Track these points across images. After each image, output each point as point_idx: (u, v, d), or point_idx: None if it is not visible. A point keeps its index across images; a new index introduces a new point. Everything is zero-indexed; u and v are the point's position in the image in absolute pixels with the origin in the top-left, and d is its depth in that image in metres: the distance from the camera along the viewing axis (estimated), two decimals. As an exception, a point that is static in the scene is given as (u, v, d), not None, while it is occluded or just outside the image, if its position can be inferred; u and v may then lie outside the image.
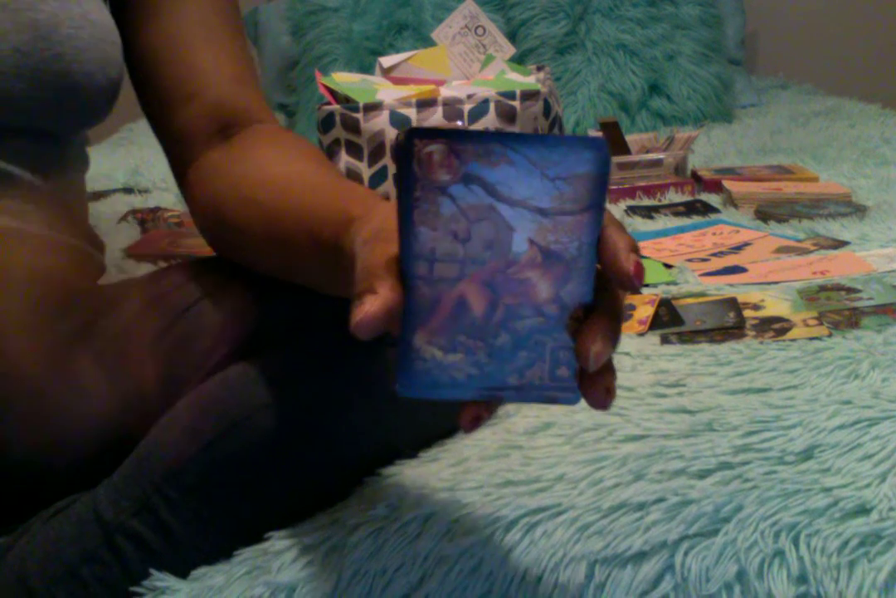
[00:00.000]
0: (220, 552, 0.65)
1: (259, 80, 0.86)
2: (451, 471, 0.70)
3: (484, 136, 0.47)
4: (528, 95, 1.49)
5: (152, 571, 0.64)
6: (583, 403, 0.49)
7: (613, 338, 0.47)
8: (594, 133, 1.86)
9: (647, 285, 1.15)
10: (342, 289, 0.61)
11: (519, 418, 0.79)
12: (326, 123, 1.52)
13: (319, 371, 0.67)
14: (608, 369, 0.48)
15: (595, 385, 0.48)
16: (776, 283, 1.11)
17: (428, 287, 0.48)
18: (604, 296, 0.48)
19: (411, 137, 0.47)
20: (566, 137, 0.48)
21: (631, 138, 1.83)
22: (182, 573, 0.64)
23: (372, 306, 0.46)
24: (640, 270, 0.47)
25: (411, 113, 1.50)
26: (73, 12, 0.76)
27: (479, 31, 1.77)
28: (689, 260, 1.23)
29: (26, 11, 0.73)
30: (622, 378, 0.85)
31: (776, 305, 1.02)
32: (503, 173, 0.47)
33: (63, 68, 0.75)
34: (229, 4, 0.84)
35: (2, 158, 0.77)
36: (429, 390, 0.49)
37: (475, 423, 0.49)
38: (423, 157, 0.47)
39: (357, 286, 0.49)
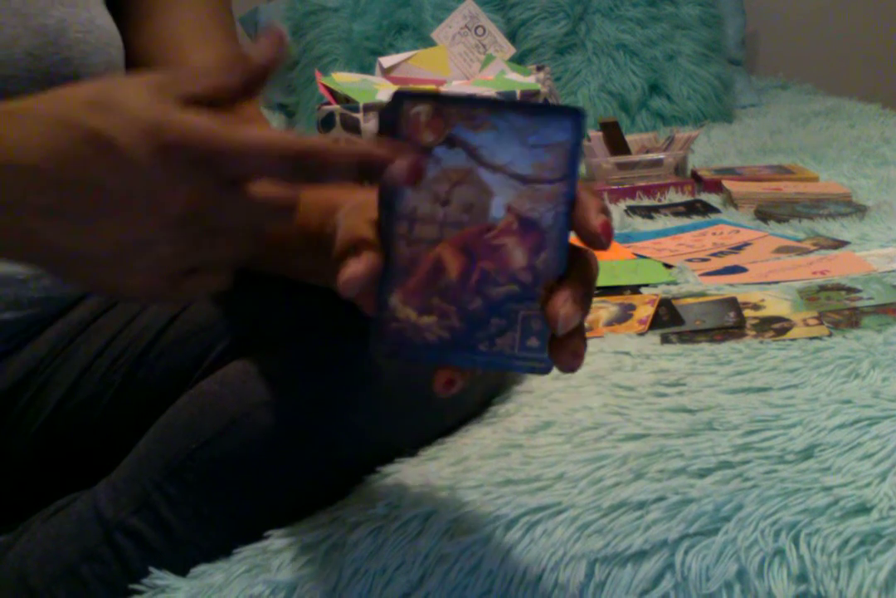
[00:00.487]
0: (220, 550, 0.65)
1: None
2: (451, 470, 0.70)
3: (470, 100, 0.48)
4: (528, 95, 1.49)
5: (152, 569, 0.64)
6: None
7: (583, 304, 0.48)
8: (594, 133, 1.86)
9: (647, 285, 1.15)
10: (327, 277, 0.61)
11: (519, 416, 0.79)
12: (326, 123, 1.52)
13: (319, 369, 0.67)
14: (578, 334, 0.49)
15: (563, 349, 0.49)
16: (776, 283, 1.10)
17: (407, 247, 0.49)
18: (576, 265, 0.49)
19: (400, 98, 0.48)
20: (547, 106, 0.48)
21: (631, 138, 1.83)
22: (182, 571, 0.64)
23: (357, 265, 0.47)
24: (607, 229, 0.48)
25: (411, 113, 1.50)
26: (81, 17, 0.76)
27: (479, 31, 1.78)
28: (689, 260, 1.23)
29: (37, 16, 0.73)
30: (623, 378, 0.85)
31: (776, 304, 1.02)
32: (486, 138, 0.48)
33: (71, 72, 0.75)
34: (223, 7, 0.84)
35: None
36: (400, 351, 0.49)
37: (448, 386, 0.50)
38: (410, 117, 0.48)
39: (339, 248, 0.49)
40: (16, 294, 0.77)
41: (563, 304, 0.47)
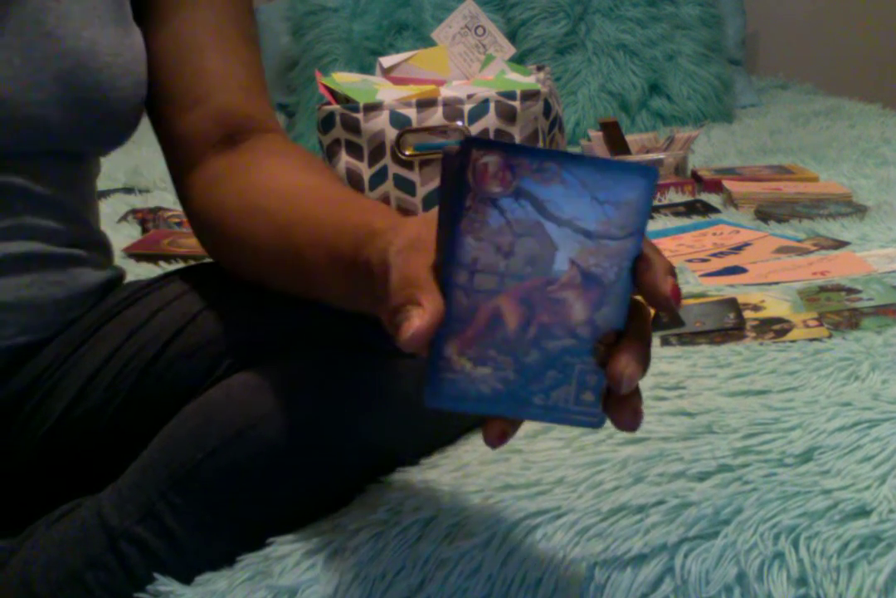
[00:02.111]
0: (223, 558, 0.65)
1: (268, 90, 0.85)
2: (452, 476, 0.70)
3: (540, 152, 0.47)
4: (528, 95, 1.49)
5: (156, 576, 0.64)
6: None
7: (644, 362, 0.48)
8: (594, 133, 1.86)
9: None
10: (357, 303, 0.61)
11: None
12: (326, 123, 1.52)
13: (323, 380, 0.67)
14: (636, 392, 0.49)
15: (624, 407, 0.48)
16: (776, 283, 1.11)
17: (466, 298, 0.48)
18: (635, 322, 0.48)
19: (468, 147, 0.47)
20: (619, 163, 0.48)
21: (631, 138, 1.84)
22: (186, 578, 0.64)
23: (421, 318, 0.46)
24: (677, 292, 0.47)
25: (411, 113, 1.50)
26: (112, 37, 0.75)
27: (479, 31, 1.77)
28: (690, 260, 1.24)
29: (68, 39, 0.72)
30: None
31: (776, 305, 1.02)
32: (554, 192, 0.47)
33: (101, 96, 0.74)
34: (244, 12, 0.82)
35: (32, 178, 0.76)
36: (454, 402, 0.48)
37: (501, 438, 0.49)
38: (478, 167, 0.47)
39: (396, 297, 0.48)
40: (28, 320, 0.77)
41: (626, 364, 0.47)
